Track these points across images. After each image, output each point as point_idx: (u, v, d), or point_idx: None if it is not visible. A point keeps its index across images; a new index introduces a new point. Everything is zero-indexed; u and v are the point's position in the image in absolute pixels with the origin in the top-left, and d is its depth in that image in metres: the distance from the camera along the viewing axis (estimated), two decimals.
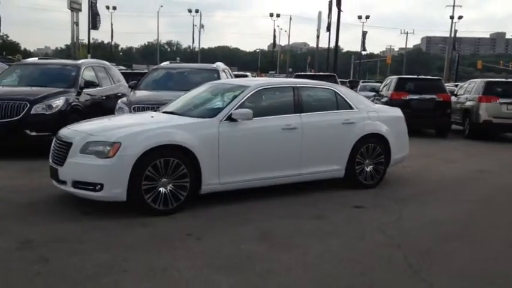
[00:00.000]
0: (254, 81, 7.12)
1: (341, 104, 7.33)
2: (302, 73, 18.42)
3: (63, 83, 10.23)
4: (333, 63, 26.42)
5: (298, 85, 7.11)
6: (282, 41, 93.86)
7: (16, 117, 8.98)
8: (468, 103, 14.98)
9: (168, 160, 5.77)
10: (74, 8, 45.61)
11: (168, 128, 5.99)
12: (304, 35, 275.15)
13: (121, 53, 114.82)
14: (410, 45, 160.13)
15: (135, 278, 4.08)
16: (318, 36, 59.96)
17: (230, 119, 6.25)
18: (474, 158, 11.03)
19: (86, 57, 39.30)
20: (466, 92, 15.94)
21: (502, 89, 14.52)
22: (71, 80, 10.37)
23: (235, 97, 6.52)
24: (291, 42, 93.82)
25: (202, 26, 78.02)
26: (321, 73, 18.78)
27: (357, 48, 69.93)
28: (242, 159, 6.32)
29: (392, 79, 16.40)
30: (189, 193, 5.94)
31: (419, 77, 16.76)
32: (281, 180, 6.73)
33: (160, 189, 5.76)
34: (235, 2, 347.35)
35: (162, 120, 6.34)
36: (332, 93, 7.38)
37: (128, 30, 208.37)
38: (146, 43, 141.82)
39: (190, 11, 72.30)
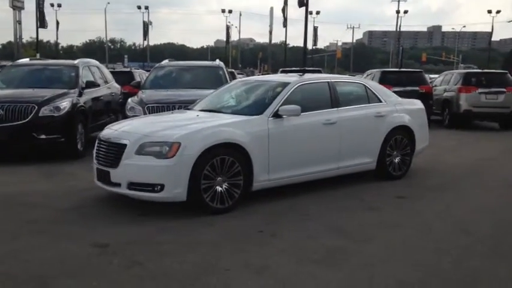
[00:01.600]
0: (292, 77, 7.14)
1: (371, 97, 7.48)
2: (287, 68, 18.46)
3: (64, 84, 9.92)
4: (302, 59, 26.88)
5: (332, 80, 7.21)
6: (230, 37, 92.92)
7: (24, 120, 8.62)
8: (447, 94, 15.55)
9: (223, 158, 5.73)
10: (16, 7, 43.98)
11: (223, 127, 5.93)
12: (250, 31, 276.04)
13: (61, 51, 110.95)
14: (348, 40, 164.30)
15: (243, 276, 4.05)
16: (270, 32, 60.36)
17: (276, 115, 6.26)
18: (470, 146, 11.50)
19: (35, 57, 37.93)
20: (443, 83, 16.54)
21: (479, 80, 15.16)
22: (71, 80, 10.05)
23: (277, 94, 6.53)
24: (236, 38, 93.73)
25: (150, 23, 76.80)
26: (306, 68, 18.96)
27: (302, 43, 69.99)
28: (288, 155, 6.34)
29: (374, 72, 16.79)
30: (242, 191, 5.93)
31: (402, 69, 17.22)
32: (323, 174, 6.80)
33: (217, 187, 5.72)
34: None
35: (211, 119, 6.26)
36: (362, 87, 7.52)
37: (66, 27, 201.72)
38: (88, 41, 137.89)
39: (139, 7, 70.92)
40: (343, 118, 6.89)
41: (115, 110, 11.77)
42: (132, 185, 5.61)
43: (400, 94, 14.42)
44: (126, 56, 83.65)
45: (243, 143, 5.86)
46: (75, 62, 10.74)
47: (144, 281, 3.97)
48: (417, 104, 8.21)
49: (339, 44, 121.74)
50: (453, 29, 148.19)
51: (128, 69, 15.22)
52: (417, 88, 15.10)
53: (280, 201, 6.26)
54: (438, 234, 5.15)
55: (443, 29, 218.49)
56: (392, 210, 6.02)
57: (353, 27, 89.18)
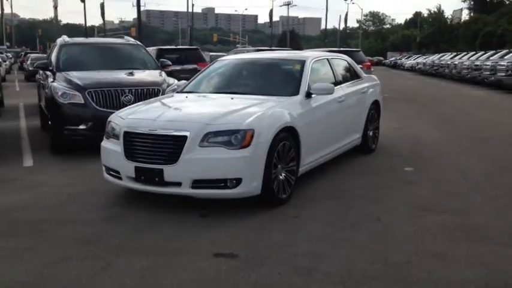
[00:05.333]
0: (303, 54, 6.74)
1: (353, 74, 7.54)
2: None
3: None
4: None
5: (329, 57, 7.06)
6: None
7: None
8: None
9: (284, 144, 5.23)
10: None
11: (277, 109, 5.35)
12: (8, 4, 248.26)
13: None
14: (130, 18, 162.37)
15: (435, 264, 3.82)
16: (56, 7, 55.67)
17: (307, 94, 5.92)
18: None
19: None
20: None
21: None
22: None
23: (298, 72, 6.15)
24: None
25: None
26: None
27: (76, 20, 64.03)
28: (321, 135, 6.08)
29: (150, 50, 15.93)
30: (295, 177, 5.50)
31: (179, 47, 16.88)
32: (336, 152, 6.64)
33: (280, 176, 5.21)
34: None
35: (253, 101, 5.54)
36: (346, 63, 7.52)
37: None
38: None
39: None
40: (345, 95, 6.82)
41: None
42: (197, 183, 4.76)
43: (180, 72, 13.43)
44: None
45: (296, 125, 5.41)
46: None
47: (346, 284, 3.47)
48: (377, 79, 8.51)
49: (116, 22, 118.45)
50: (236, 11, 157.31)
51: None
52: (195, 66, 14.76)
53: (310, 185, 5.93)
54: (503, 199, 5.48)
55: (216, 11, 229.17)
56: (425, 183, 6.15)
57: (137, 5, 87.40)
